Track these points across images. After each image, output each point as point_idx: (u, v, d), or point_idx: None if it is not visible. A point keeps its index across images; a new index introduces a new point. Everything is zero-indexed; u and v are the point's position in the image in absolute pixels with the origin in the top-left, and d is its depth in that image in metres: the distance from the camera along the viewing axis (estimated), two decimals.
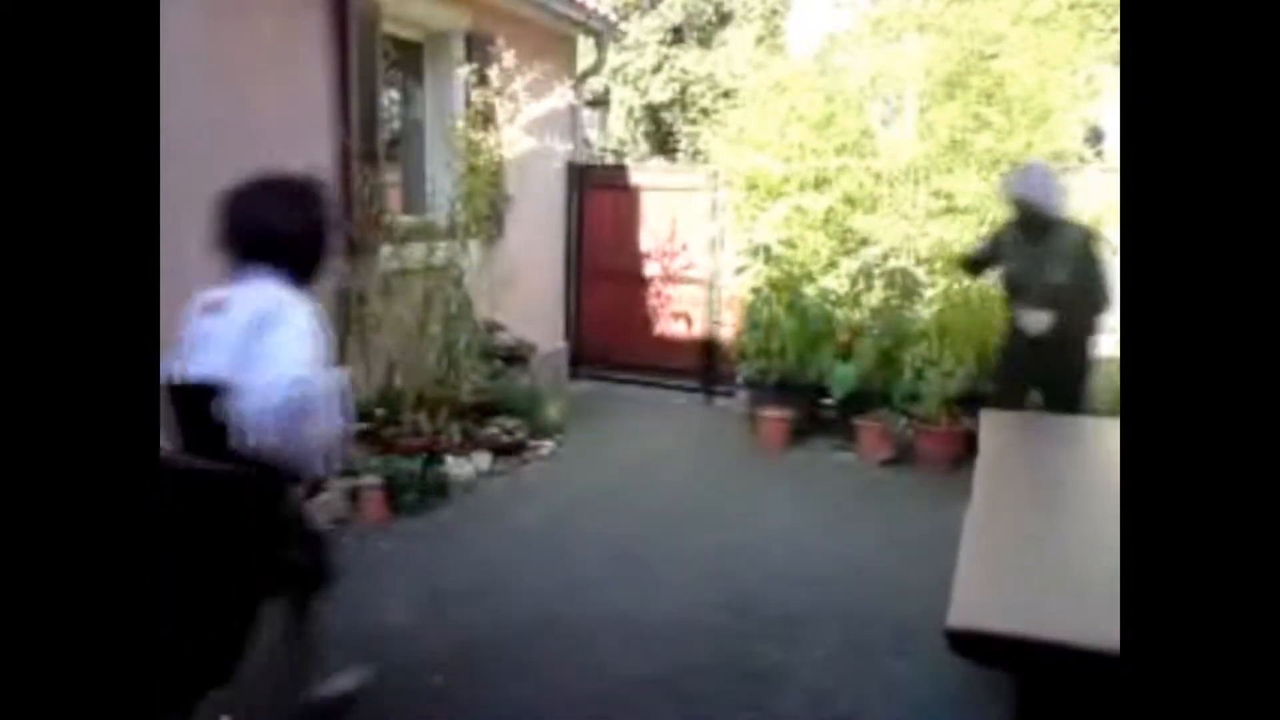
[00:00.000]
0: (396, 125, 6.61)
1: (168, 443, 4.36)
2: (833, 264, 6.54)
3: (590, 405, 7.37)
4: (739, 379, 7.06)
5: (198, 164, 4.44)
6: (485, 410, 5.86)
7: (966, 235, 5.90)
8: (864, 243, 6.47)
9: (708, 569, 4.26)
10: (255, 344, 2.23)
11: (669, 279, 7.90)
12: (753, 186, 6.81)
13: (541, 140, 6.17)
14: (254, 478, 2.28)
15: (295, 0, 5.17)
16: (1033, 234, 4.34)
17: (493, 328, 6.42)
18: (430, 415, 5.38)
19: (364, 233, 5.34)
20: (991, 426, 3.41)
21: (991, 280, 5.07)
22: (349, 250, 5.02)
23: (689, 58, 14.57)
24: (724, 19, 15.07)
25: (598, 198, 8.17)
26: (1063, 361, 4.27)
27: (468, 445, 5.50)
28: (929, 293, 6.23)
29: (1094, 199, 5.99)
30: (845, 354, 6.28)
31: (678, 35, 14.99)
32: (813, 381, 6.38)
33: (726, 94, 7.90)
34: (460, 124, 6.02)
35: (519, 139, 6.03)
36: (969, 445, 4.23)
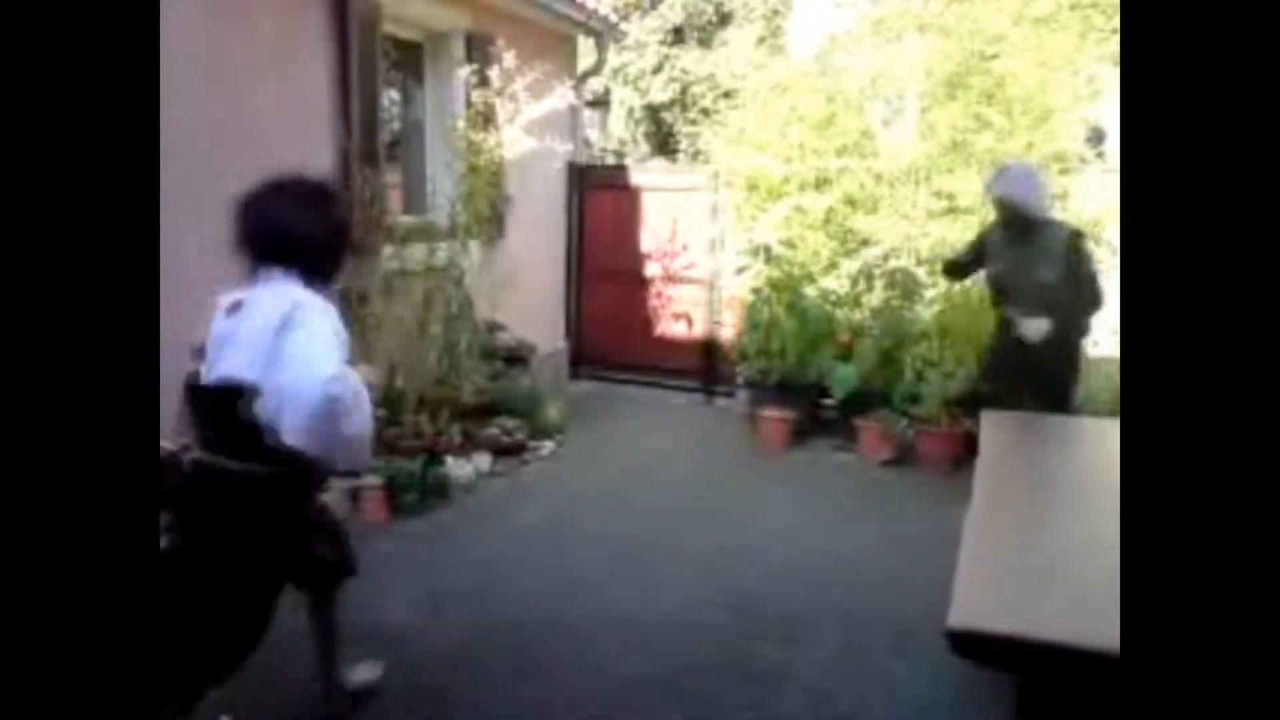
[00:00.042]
0: (397, 126, 6.61)
1: (168, 442, 4.37)
2: (833, 264, 6.55)
3: (591, 406, 7.37)
4: (739, 379, 7.06)
5: (198, 164, 4.45)
6: (486, 411, 5.86)
7: (968, 236, 5.90)
8: (864, 243, 6.48)
9: (708, 569, 4.26)
10: (278, 345, 2.26)
11: (669, 279, 7.90)
12: (753, 187, 6.82)
13: (542, 141, 6.17)
14: (277, 477, 2.36)
15: (295, 0, 5.17)
16: (1018, 234, 4.33)
17: (493, 328, 6.42)
18: (431, 416, 5.38)
19: (365, 233, 5.34)
20: (991, 427, 3.40)
21: (979, 282, 5.06)
22: (350, 251, 5.03)
23: (689, 58, 14.57)
24: (724, 19, 15.07)
25: (598, 198, 8.17)
26: (1052, 361, 4.27)
27: (468, 446, 5.50)
28: (929, 293, 6.24)
29: (1094, 199, 6.00)
30: (846, 355, 6.28)
31: (678, 35, 14.99)
32: (813, 382, 6.38)
33: (727, 94, 7.90)
34: (461, 124, 6.02)
35: (519, 139, 6.03)
36: (969, 446, 4.22)
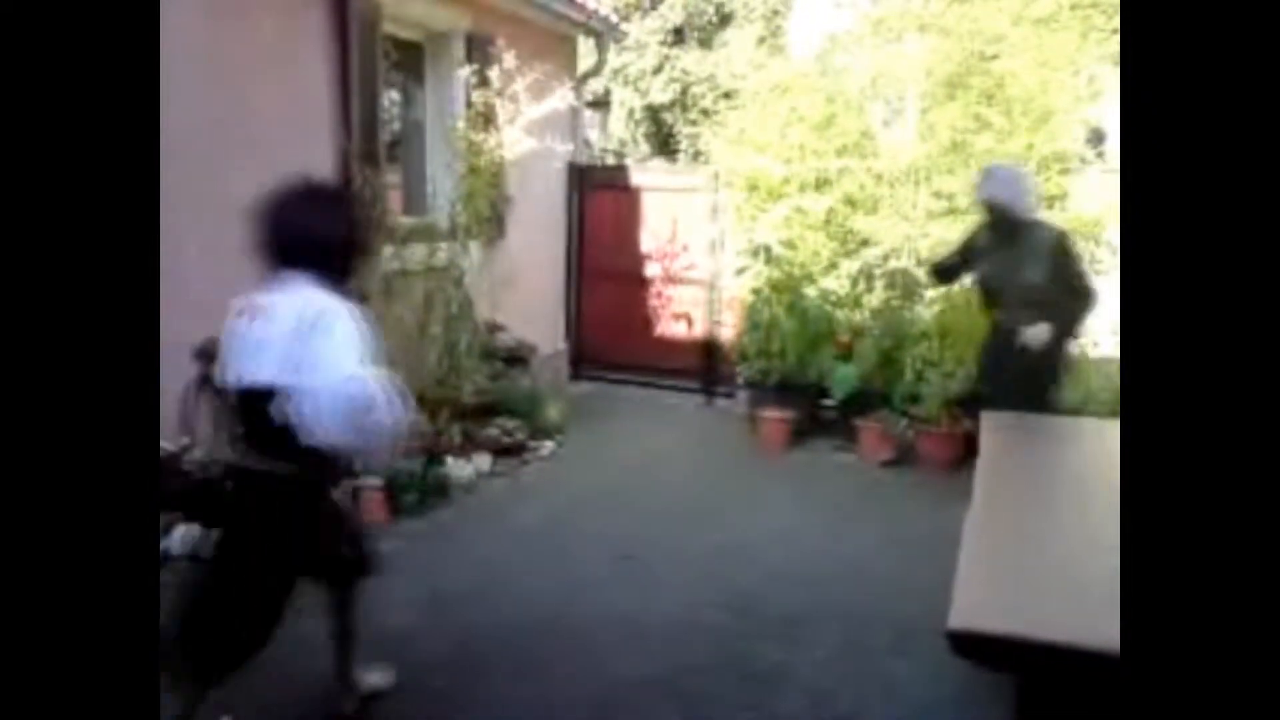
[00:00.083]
0: (397, 126, 6.62)
1: (168, 443, 4.37)
2: (833, 265, 6.54)
3: (590, 406, 7.37)
4: (739, 380, 7.06)
5: (198, 164, 4.45)
6: (486, 411, 5.86)
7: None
8: (865, 244, 6.48)
9: (708, 569, 4.26)
10: (306, 347, 2.30)
11: (669, 280, 7.90)
12: (753, 187, 6.81)
13: (542, 141, 6.17)
14: (298, 476, 2.44)
15: (295, 0, 5.17)
16: (1005, 236, 4.33)
17: (493, 329, 6.42)
18: (431, 416, 5.37)
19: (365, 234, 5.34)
20: (991, 427, 3.40)
21: (968, 284, 5.06)
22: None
23: (690, 58, 14.57)
24: (725, 20, 15.07)
25: (598, 199, 8.17)
26: (1038, 362, 4.26)
27: (468, 446, 5.50)
28: (929, 293, 6.23)
29: (1094, 199, 5.99)
30: (846, 355, 6.28)
31: (678, 36, 14.99)
32: (813, 382, 6.38)
33: (727, 95, 7.91)
34: (461, 125, 6.02)
35: (519, 140, 6.03)
36: (969, 446, 4.22)
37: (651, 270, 7.96)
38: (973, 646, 1.82)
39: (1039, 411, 3.98)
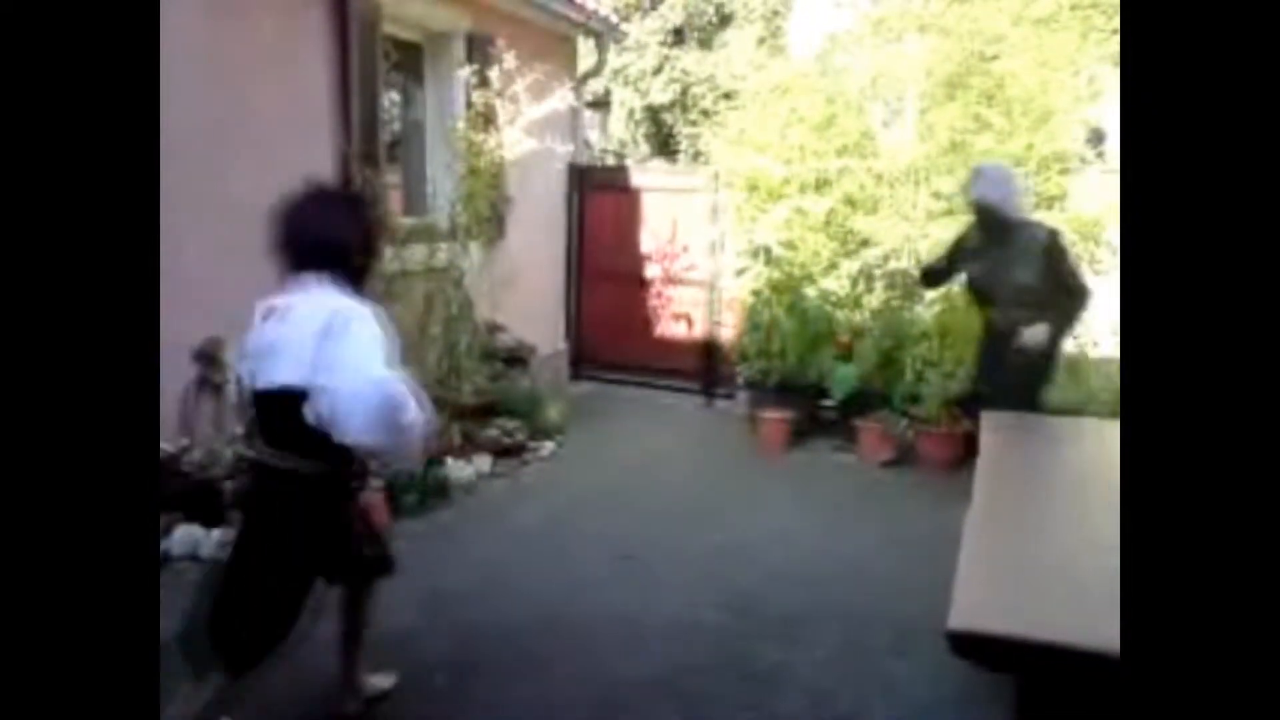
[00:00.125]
0: (397, 126, 6.62)
1: (168, 444, 4.37)
2: (833, 265, 6.54)
3: (590, 406, 7.37)
4: (739, 380, 7.06)
5: (198, 164, 4.45)
6: (486, 412, 5.86)
7: None
8: (865, 244, 6.48)
9: (708, 569, 4.26)
10: (333, 348, 2.34)
11: (669, 280, 7.90)
12: (753, 188, 6.82)
13: (542, 141, 6.17)
14: (323, 474, 2.49)
15: (295, 0, 5.17)
16: (995, 236, 4.32)
17: (493, 329, 6.42)
18: None
19: None
20: (991, 427, 3.40)
21: (958, 285, 5.06)
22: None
23: (690, 59, 14.58)
24: (725, 20, 15.07)
25: (598, 199, 8.17)
26: (1030, 360, 4.26)
27: (468, 447, 5.50)
28: (929, 294, 6.23)
29: (1094, 199, 6.00)
30: (846, 355, 6.28)
31: (678, 36, 15.00)
32: (813, 383, 6.38)
33: (727, 95, 7.91)
34: (461, 125, 6.02)
35: (520, 140, 6.03)
36: (969, 446, 4.23)
37: (651, 271, 7.96)
38: (972, 647, 1.82)
39: (1032, 410, 3.99)
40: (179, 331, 4.30)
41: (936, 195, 6.30)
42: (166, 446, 4.18)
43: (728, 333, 7.46)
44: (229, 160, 4.73)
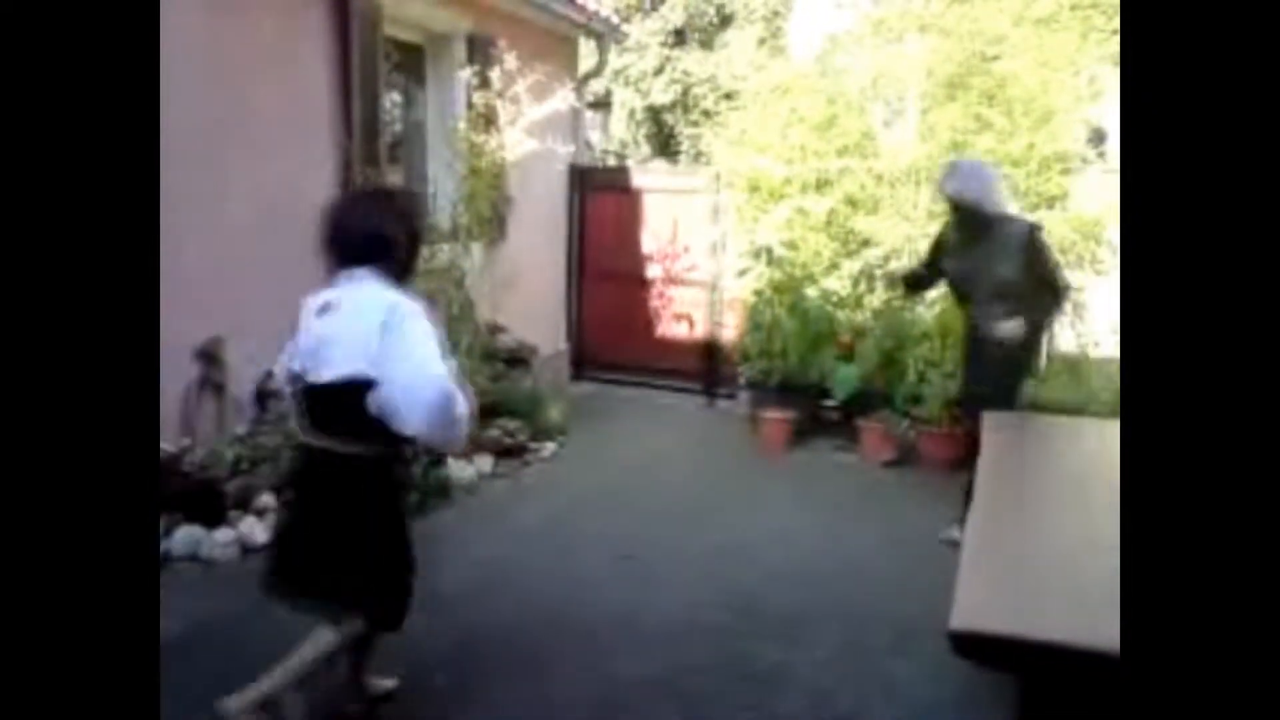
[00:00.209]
0: (398, 127, 6.62)
1: (168, 444, 4.37)
2: (834, 265, 6.54)
3: (592, 407, 7.37)
4: (741, 381, 7.06)
5: (198, 164, 4.45)
6: (487, 412, 5.85)
7: None
8: (866, 244, 6.48)
9: (709, 569, 4.26)
10: (390, 343, 2.48)
11: (671, 281, 7.90)
12: (754, 188, 6.82)
13: (543, 142, 6.17)
14: (380, 458, 2.67)
15: (296, 0, 5.18)
16: (974, 232, 4.31)
17: (494, 330, 6.42)
18: None
19: None
20: (992, 427, 3.40)
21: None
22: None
23: (691, 60, 14.58)
24: (725, 21, 15.07)
25: (599, 200, 8.17)
26: (1009, 356, 4.26)
27: (469, 447, 5.49)
28: (930, 294, 6.23)
29: (1094, 199, 6.00)
30: (847, 355, 6.28)
31: (679, 37, 15.00)
32: (814, 383, 6.38)
33: (728, 96, 7.92)
34: (462, 126, 6.02)
35: (521, 141, 6.03)
36: (971, 446, 4.22)
37: (653, 271, 7.96)
38: (974, 646, 1.81)
39: (1009, 406, 3.99)
40: (179, 331, 4.31)
41: (937, 195, 6.30)
42: (167, 446, 4.19)
43: (729, 333, 7.46)
44: (229, 160, 4.73)
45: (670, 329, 7.96)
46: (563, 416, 6.41)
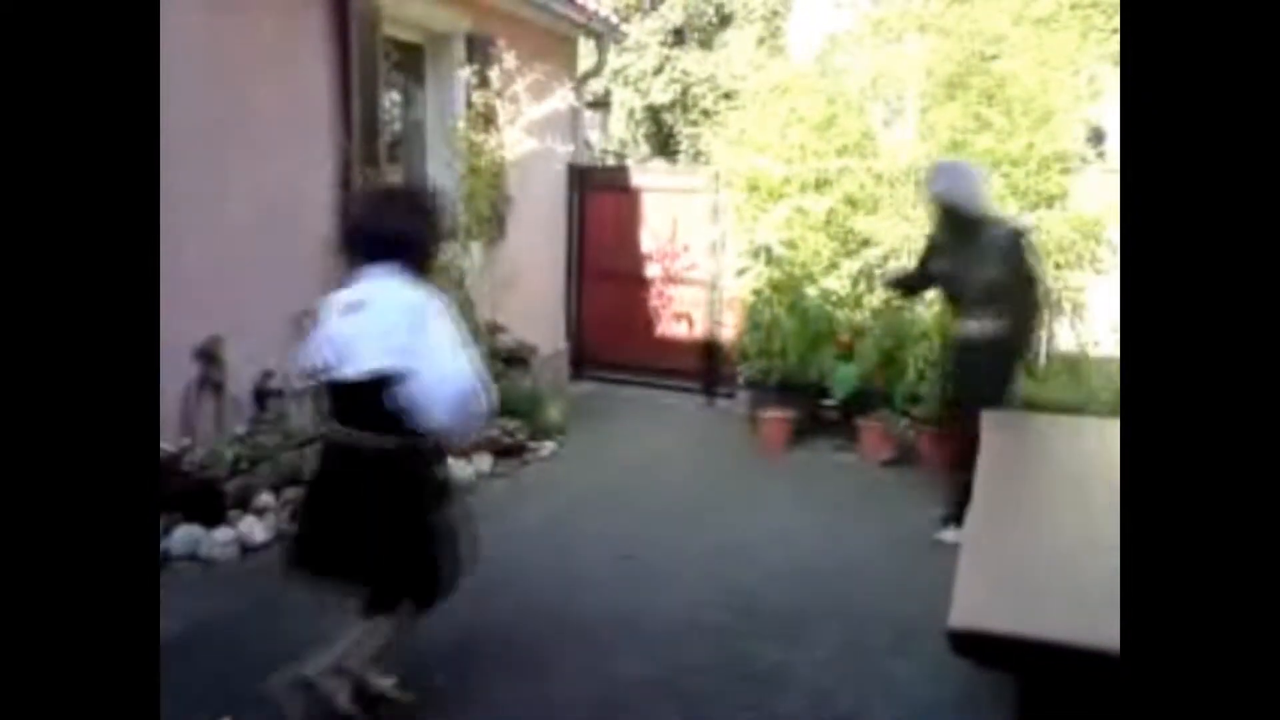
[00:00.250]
0: (397, 127, 6.62)
1: (168, 444, 4.36)
2: (834, 265, 6.54)
3: (591, 406, 7.37)
4: (740, 380, 7.06)
5: (198, 164, 4.45)
6: None
7: None
8: (865, 244, 6.47)
9: (708, 569, 4.26)
10: (417, 339, 2.55)
11: (670, 280, 7.90)
12: (754, 188, 6.82)
13: (542, 142, 6.17)
14: (413, 449, 2.72)
15: (295, 0, 5.17)
16: (959, 233, 4.31)
17: (494, 329, 6.42)
18: None
19: None
20: (992, 426, 3.40)
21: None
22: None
23: (690, 59, 14.57)
24: (725, 20, 15.07)
25: (599, 199, 8.17)
26: (994, 359, 4.25)
27: (469, 447, 5.49)
28: (930, 293, 6.23)
29: (1094, 199, 6.00)
30: (846, 355, 6.27)
31: (679, 37, 14.99)
32: (814, 382, 6.37)
33: (727, 95, 7.91)
34: (461, 125, 6.02)
35: (520, 140, 6.03)
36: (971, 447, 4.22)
37: (652, 271, 7.96)
38: (973, 645, 1.82)
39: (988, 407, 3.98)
40: (179, 331, 4.31)
41: None
42: (167, 446, 4.18)
43: (728, 332, 7.46)
44: (229, 160, 4.73)
45: (669, 328, 7.96)
46: (562, 416, 6.41)
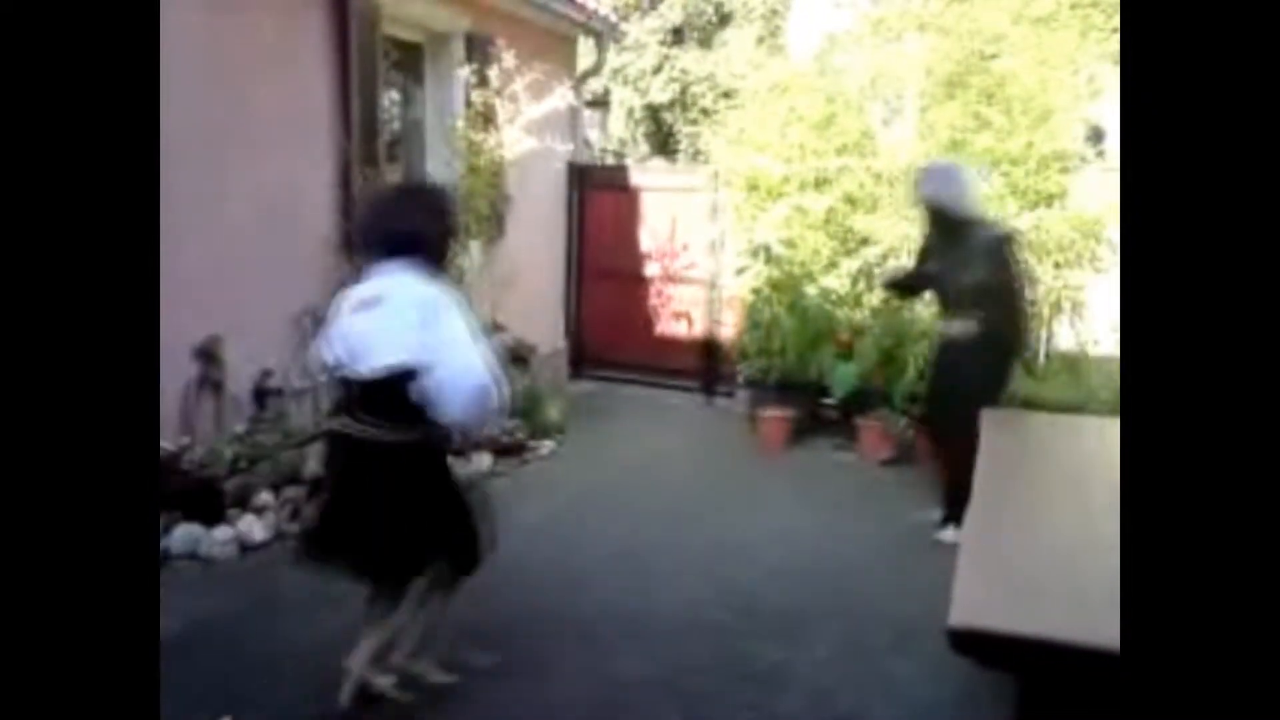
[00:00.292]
0: (397, 126, 6.62)
1: (168, 443, 4.36)
2: (833, 264, 6.54)
3: (591, 405, 7.37)
4: (739, 379, 7.06)
5: (198, 164, 4.45)
6: None
7: None
8: (864, 242, 6.47)
9: (708, 568, 4.26)
10: (433, 335, 2.59)
11: (669, 279, 7.90)
12: (753, 187, 6.81)
13: (542, 141, 6.17)
14: (432, 443, 2.78)
15: (295, 0, 5.17)
16: (948, 234, 4.31)
17: (493, 328, 6.41)
18: None
19: None
20: (992, 426, 3.40)
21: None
22: (349, 250, 5.04)
23: (689, 58, 14.57)
24: (724, 19, 15.07)
25: (598, 198, 8.17)
26: (977, 363, 4.25)
27: (468, 446, 5.49)
28: (929, 293, 6.23)
29: (1094, 199, 6.00)
30: (846, 353, 6.27)
31: (678, 36, 14.99)
32: (813, 381, 6.38)
33: (727, 94, 7.90)
34: (460, 124, 6.02)
35: (519, 139, 6.03)
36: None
37: (651, 270, 7.96)
38: (972, 644, 1.81)
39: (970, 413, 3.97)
40: (179, 331, 4.31)
41: None
42: (167, 445, 4.18)
43: (728, 331, 7.46)
44: (229, 160, 4.73)
45: (669, 327, 7.96)
46: (561, 415, 6.41)
